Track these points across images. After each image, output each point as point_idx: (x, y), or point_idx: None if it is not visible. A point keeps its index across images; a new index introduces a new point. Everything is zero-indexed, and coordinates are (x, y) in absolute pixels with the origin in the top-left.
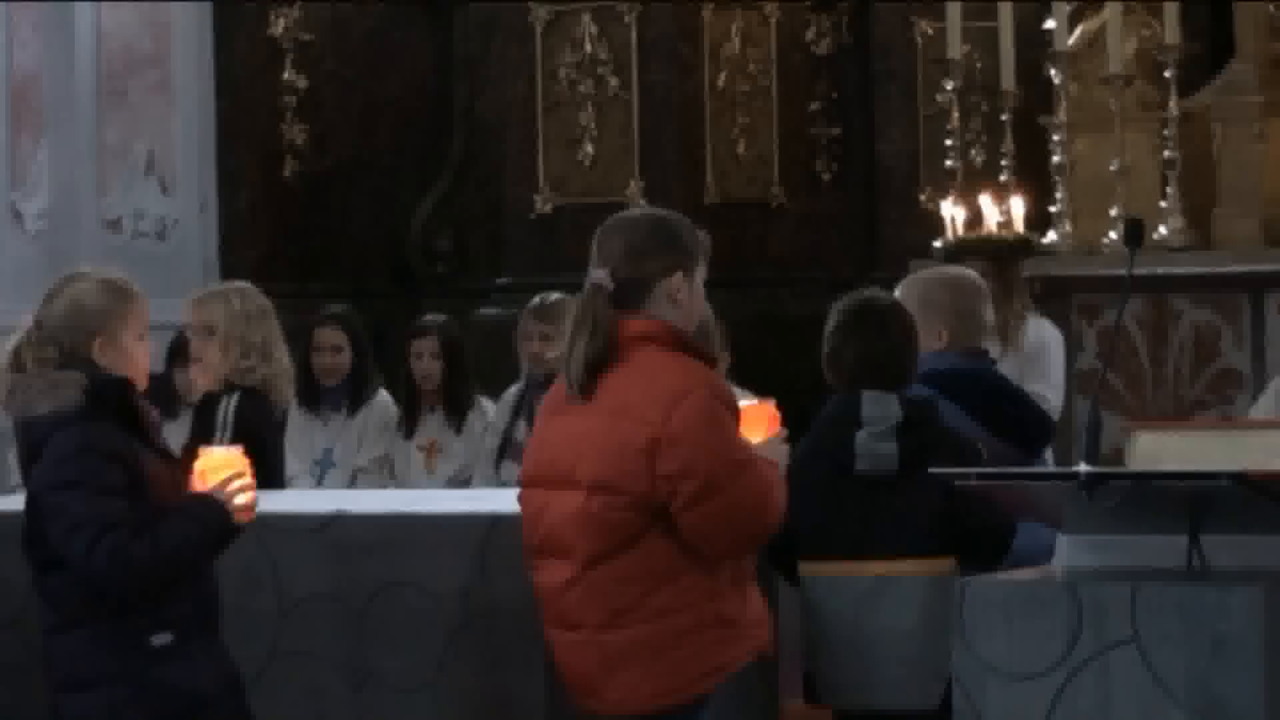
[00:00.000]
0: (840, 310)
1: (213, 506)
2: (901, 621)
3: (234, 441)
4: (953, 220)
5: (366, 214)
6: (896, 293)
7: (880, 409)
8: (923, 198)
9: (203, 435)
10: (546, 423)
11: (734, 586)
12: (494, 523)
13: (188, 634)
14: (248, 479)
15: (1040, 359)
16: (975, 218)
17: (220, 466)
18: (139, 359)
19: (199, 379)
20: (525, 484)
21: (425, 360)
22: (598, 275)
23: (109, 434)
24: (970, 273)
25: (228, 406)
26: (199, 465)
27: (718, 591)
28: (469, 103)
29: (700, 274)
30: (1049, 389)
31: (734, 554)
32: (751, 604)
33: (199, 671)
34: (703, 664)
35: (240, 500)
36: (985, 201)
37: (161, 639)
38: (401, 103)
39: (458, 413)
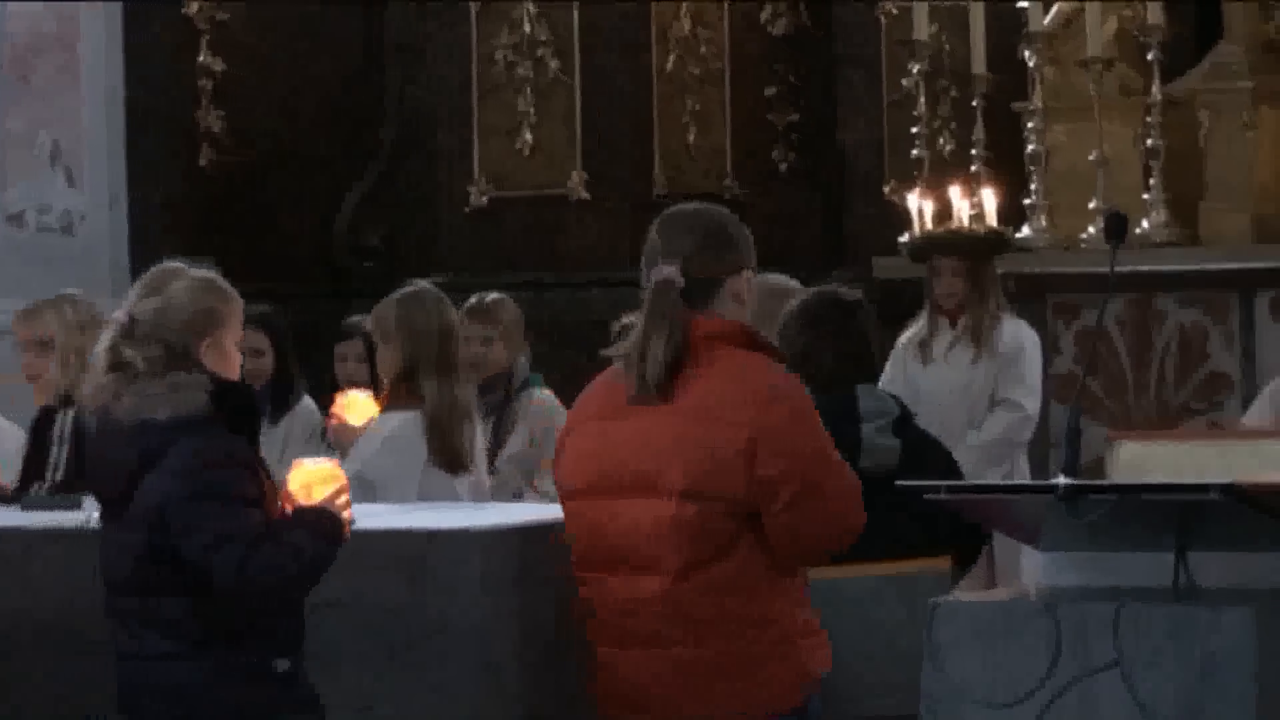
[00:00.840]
0: (807, 308)
1: (334, 520)
2: (905, 622)
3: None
4: (920, 213)
5: (290, 207)
6: None
7: (878, 404)
8: (888, 190)
9: (38, 452)
10: (600, 429)
11: (805, 592)
12: (431, 538)
13: (298, 657)
14: (347, 493)
15: (1016, 363)
16: (945, 211)
17: (325, 479)
18: (237, 363)
19: (37, 396)
20: (579, 493)
21: (350, 364)
22: (668, 271)
23: (239, 442)
24: (789, 283)
25: (63, 421)
26: (300, 478)
27: (802, 598)
28: (401, 87)
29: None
30: (1025, 396)
31: (822, 557)
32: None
33: (313, 696)
34: (798, 674)
35: (346, 514)
36: (955, 193)
37: (282, 664)
38: (328, 87)
39: None
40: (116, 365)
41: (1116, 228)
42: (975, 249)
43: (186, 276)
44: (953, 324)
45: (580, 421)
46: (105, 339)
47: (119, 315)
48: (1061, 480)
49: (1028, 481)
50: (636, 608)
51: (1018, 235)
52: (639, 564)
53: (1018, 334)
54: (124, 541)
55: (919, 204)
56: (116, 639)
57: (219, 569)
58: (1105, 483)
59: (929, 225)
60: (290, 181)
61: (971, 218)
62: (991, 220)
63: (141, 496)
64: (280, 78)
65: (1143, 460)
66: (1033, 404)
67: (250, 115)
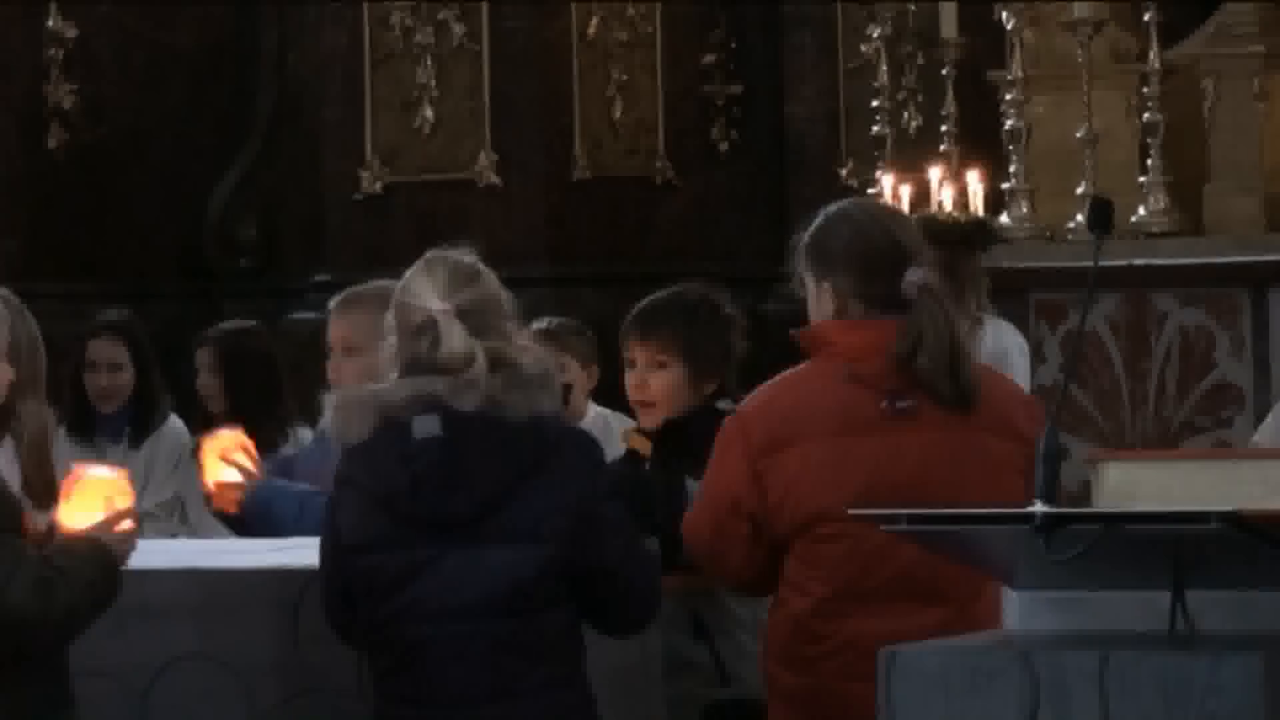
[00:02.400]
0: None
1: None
2: None
3: None
4: (895, 199)
5: (152, 195)
6: None
7: None
8: (844, 172)
9: None
10: (858, 442)
11: None
12: (311, 580)
13: None
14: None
15: (1001, 371)
16: (920, 196)
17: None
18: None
19: None
20: (838, 515)
21: (203, 376)
22: (926, 276)
23: None
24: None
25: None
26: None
27: None
28: (279, 56)
29: None
30: None
31: None
32: None
33: None
34: None
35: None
36: (934, 175)
37: None
38: (195, 56)
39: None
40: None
41: (1102, 215)
42: (953, 240)
43: (475, 261)
44: None
45: (817, 434)
46: (458, 341)
47: (434, 305)
48: (1038, 508)
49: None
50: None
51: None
52: (922, 595)
53: (1002, 339)
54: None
55: (894, 187)
56: (441, 678)
57: (636, 572)
58: (1088, 510)
59: (906, 210)
60: (152, 165)
61: (955, 203)
62: (978, 209)
63: (579, 501)
64: (140, 46)
65: (1132, 484)
66: None
67: (106, 89)
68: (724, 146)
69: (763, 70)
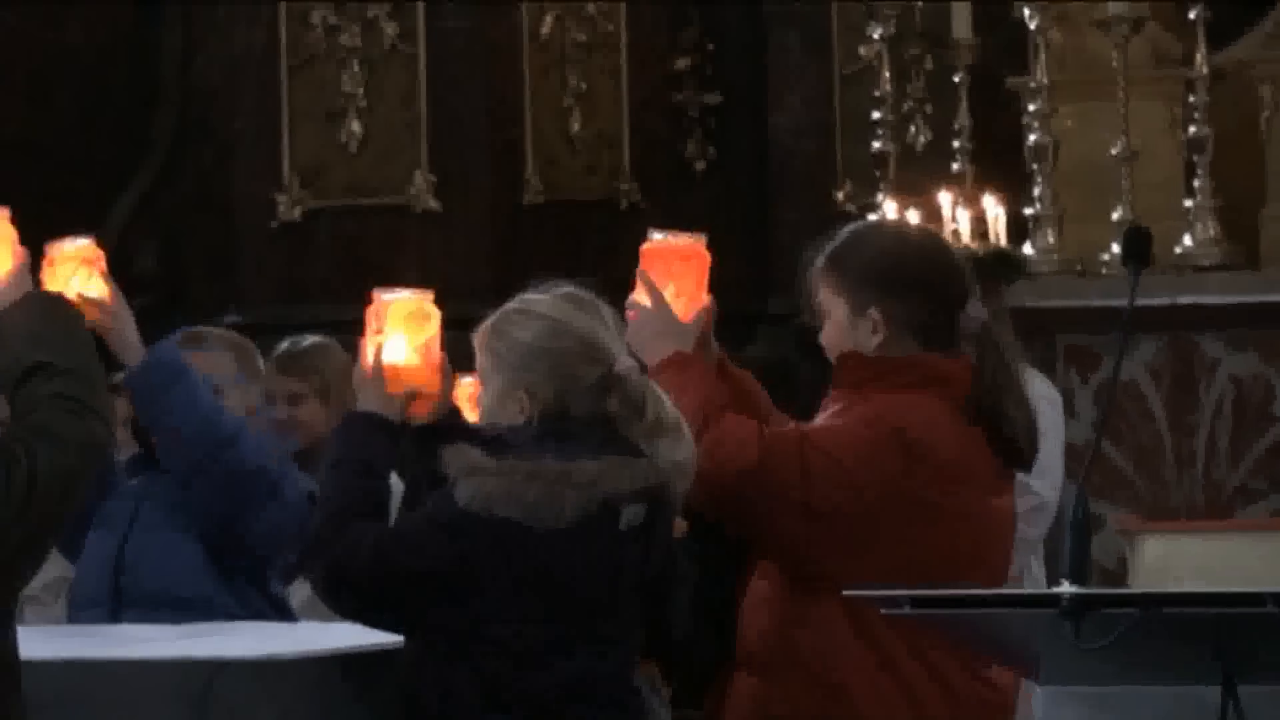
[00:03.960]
0: None
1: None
2: None
3: None
4: None
5: (38, 219)
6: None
7: None
8: (839, 195)
9: None
10: (984, 503)
11: None
12: (218, 670)
13: None
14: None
15: None
16: (928, 224)
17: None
18: None
19: None
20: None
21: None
22: (984, 312)
23: None
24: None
25: None
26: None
27: None
28: (184, 58)
29: None
30: (1040, 476)
31: None
32: None
33: None
34: None
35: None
36: (945, 200)
37: None
38: (88, 59)
39: None
40: None
41: (1137, 247)
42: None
43: None
44: None
45: (955, 487)
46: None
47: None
48: (1066, 589)
49: (1023, 590)
50: None
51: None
52: None
53: (1030, 390)
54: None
55: (898, 213)
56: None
57: None
58: (1123, 591)
59: None
60: (38, 184)
61: (970, 233)
62: (999, 238)
63: None
64: (26, 49)
65: (1175, 560)
66: (1048, 487)
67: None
68: (699, 165)
69: (743, 76)
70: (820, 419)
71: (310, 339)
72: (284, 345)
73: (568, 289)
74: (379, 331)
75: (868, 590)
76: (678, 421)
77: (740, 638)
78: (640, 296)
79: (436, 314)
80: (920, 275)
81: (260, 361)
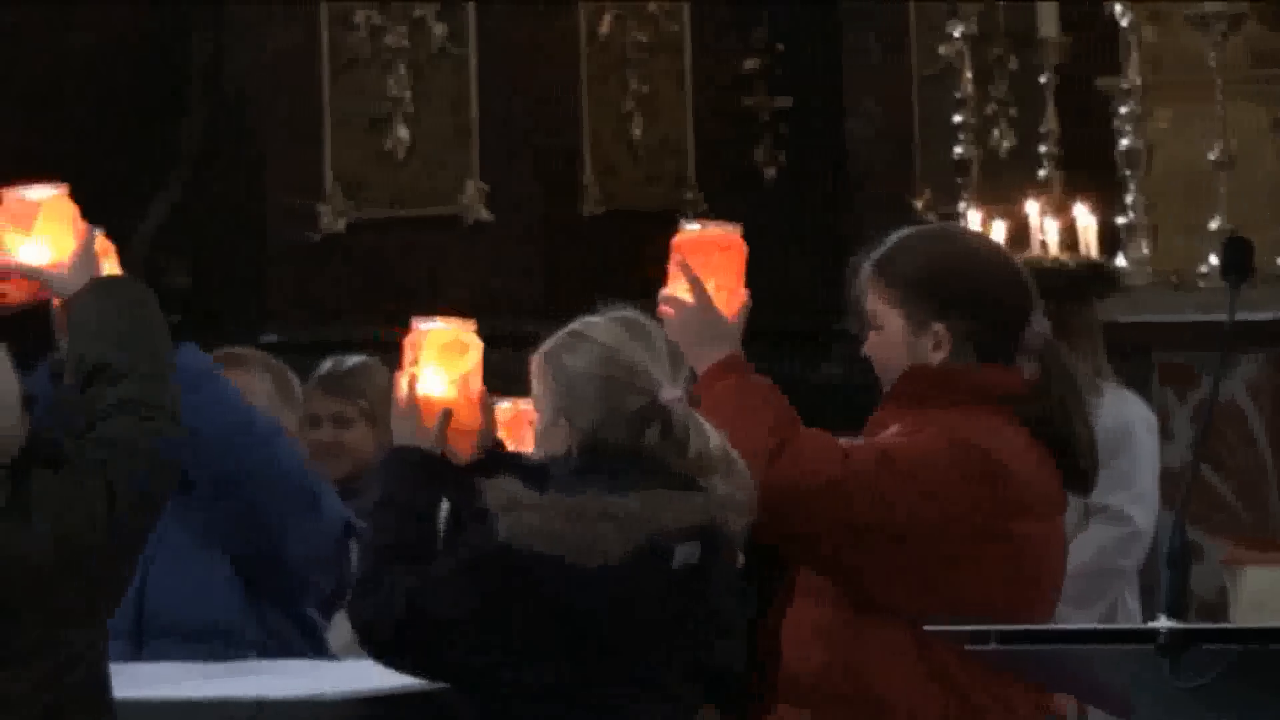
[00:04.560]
0: None
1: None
2: None
3: None
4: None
5: None
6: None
7: None
8: (918, 204)
9: None
10: (1044, 532)
11: None
12: (259, 709)
13: None
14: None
15: (1121, 455)
16: (1018, 234)
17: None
18: None
19: None
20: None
21: None
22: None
23: None
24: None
25: None
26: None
27: None
28: (213, 63)
29: None
30: (1133, 502)
31: None
32: None
33: None
34: None
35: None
36: (1033, 209)
37: None
38: (108, 64)
39: None
40: None
41: (1235, 258)
42: (1062, 289)
43: None
44: None
45: (1025, 512)
46: None
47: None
48: (1162, 624)
49: (1115, 626)
50: None
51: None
52: None
53: (1124, 412)
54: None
55: (982, 224)
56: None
57: None
58: (1224, 626)
59: None
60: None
61: (1059, 244)
62: (1090, 249)
63: None
64: (40, 53)
65: (1278, 593)
66: (1143, 514)
67: (14, 121)
68: (769, 173)
69: (816, 78)
70: (884, 436)
71: (354, 359)
72: (326, 365)
73: (624, 313)
74: (415, 363)
75: (950, 625)
76: (725, 454)
77: (786, 668)
78: (678, 291)
79: (476, 345)
80: (987, 288)
81: (298, 386)
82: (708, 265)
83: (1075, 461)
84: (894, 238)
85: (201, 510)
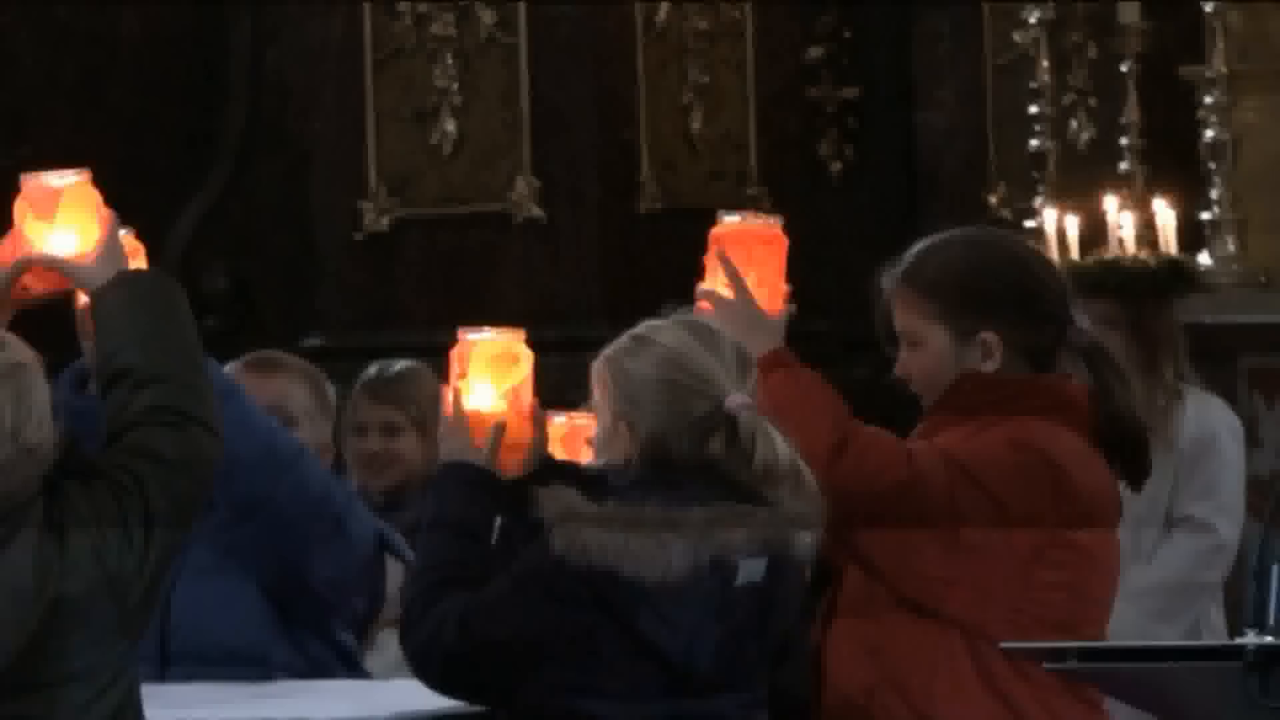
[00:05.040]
0: None
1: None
2: None
3: None
4: (1060, 236)
5: None
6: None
7: None
8: (993, 199)
9: None
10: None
11: None
12: None
13: None
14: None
15: (1205, 463)
16: (1095, 232)
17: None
18: None
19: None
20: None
21: None
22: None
23: None
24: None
25: None
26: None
27: None
28: (254, 53)
29: None
30: (1218, 512)
31: None
32: None
33: None
34: None
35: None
36: (1111, 204)
37: None
38: (145, 55)
39: None
40: None
41: None
42: (1142, 289)
43: None
44: None
45: (1089, 522)
46: None
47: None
48: (1250, 640)
49: (1199, 643)
50: None
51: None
52: None
53: (1209, 419)
54: None
55: (1059, 220)
56: None
57: None
58: None
59: (1071, 253)
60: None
61: (1138, 241)
62: (1170, 245)
63: None
64: (74, 44)
65: None
66: (1229, 525)
67: (29, 100)
68: (836, 167)
69: (886, 67)
70: (942, 440)
71: (402, 363)
72: (372, 370)
73: (690, 316)
74: (463, 375)
75: (1029, 644)
76: (794, 465)
77: (834, 688)
78: (717, 286)
79: (527, 356)
80: (1031, 288)
81: (333, 392)
82: (749, 259)
83: (1136, 463)
84: (917, 247)
85: (224, 532)
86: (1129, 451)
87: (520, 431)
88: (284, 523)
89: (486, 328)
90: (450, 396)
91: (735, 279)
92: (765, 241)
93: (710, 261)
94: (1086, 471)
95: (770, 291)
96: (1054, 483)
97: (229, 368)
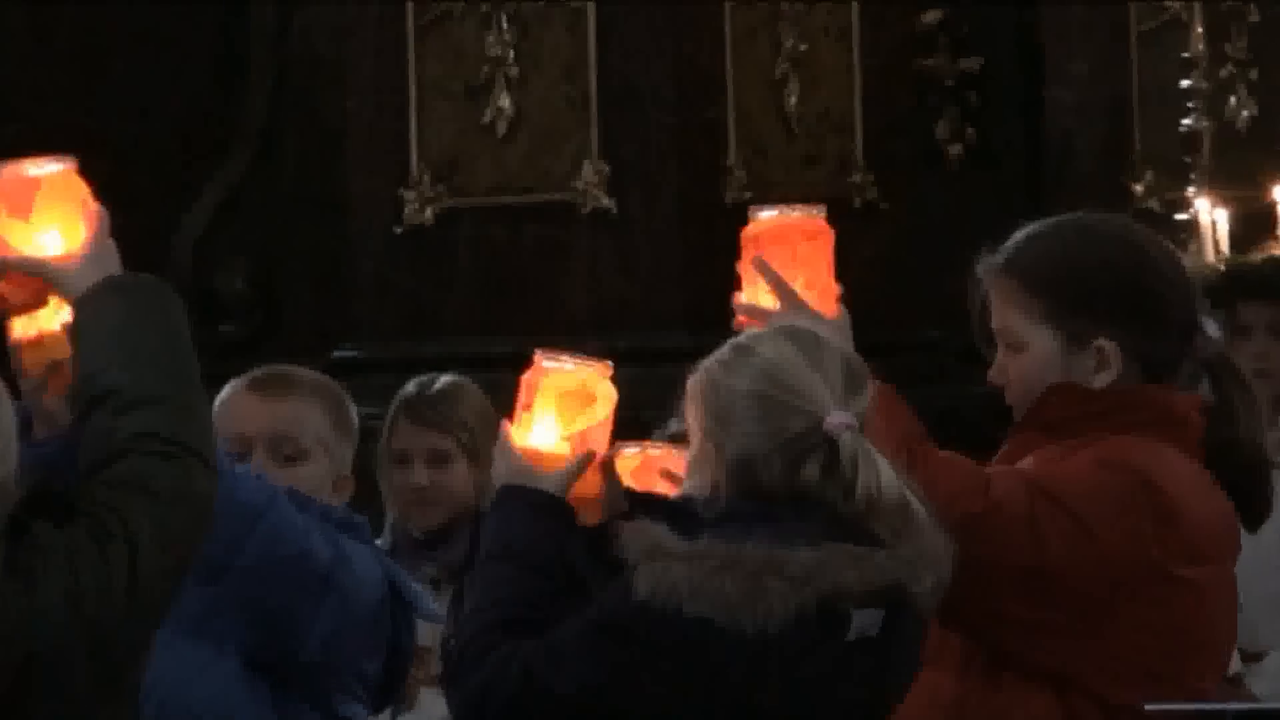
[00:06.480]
0: None
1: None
2: None
3: None
4: (1213, 229)
5: None
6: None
7: None
8: (1138, 189)
9: None
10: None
11: None
12: None
13: None
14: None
15: None
16: (1251, 226)
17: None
18: None
19: None
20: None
21: None
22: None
23: None
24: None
25: None
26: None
27: None
28: (279, 24)
29: None
30: None
31: None
32: None
33: None
34: None
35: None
36: (1278, 193)
37: None
38: (160, 33)
39: None
40: None
41: None
42: None
43: None
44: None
45: (1199, 557)
46: None
47: None
48: None
49: None
50: None
51: None
52: None
53: None
54: None
55: (1210, 212)
56: None
57: None
58: None
59: (1226, 249)
60: (95, 182)
61: None
62: None
63: None
64: (83, 25)
65: None
66: None
67: (37, 84)
68: (954, 150)
69: (1011, 36)
70: (1027, 464)
71: (444, 378)
72: (410, 388)
73: (796, 324)
74: (528, 407)
75: (1184, 705)
76: (902, 499)
77: None
78: (759, 296)
79: (608, 397)
80: (1157, 290)
81: (354, 413)
82: (793, 258)
83: (1254, 494)
84: (1022, 235)
85: (195, 591)
86: (1245, 484)
87: (586, 485)
88: (256, 582)
89: (566, 356)
90: (510, 428)
91: (778, 285)
92: (810, 236)
93: (745, 268)
94: (1194, 498)
95: (820, 293)
96: (1151, 510)
97: (229, 386)
